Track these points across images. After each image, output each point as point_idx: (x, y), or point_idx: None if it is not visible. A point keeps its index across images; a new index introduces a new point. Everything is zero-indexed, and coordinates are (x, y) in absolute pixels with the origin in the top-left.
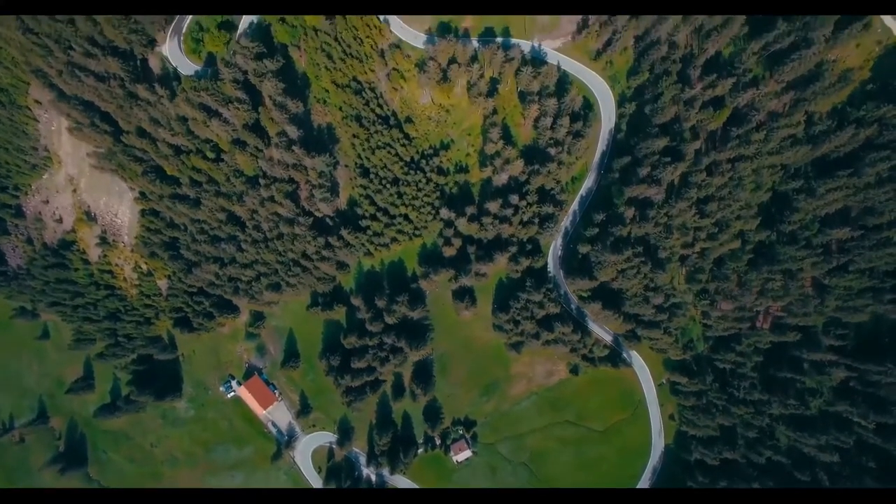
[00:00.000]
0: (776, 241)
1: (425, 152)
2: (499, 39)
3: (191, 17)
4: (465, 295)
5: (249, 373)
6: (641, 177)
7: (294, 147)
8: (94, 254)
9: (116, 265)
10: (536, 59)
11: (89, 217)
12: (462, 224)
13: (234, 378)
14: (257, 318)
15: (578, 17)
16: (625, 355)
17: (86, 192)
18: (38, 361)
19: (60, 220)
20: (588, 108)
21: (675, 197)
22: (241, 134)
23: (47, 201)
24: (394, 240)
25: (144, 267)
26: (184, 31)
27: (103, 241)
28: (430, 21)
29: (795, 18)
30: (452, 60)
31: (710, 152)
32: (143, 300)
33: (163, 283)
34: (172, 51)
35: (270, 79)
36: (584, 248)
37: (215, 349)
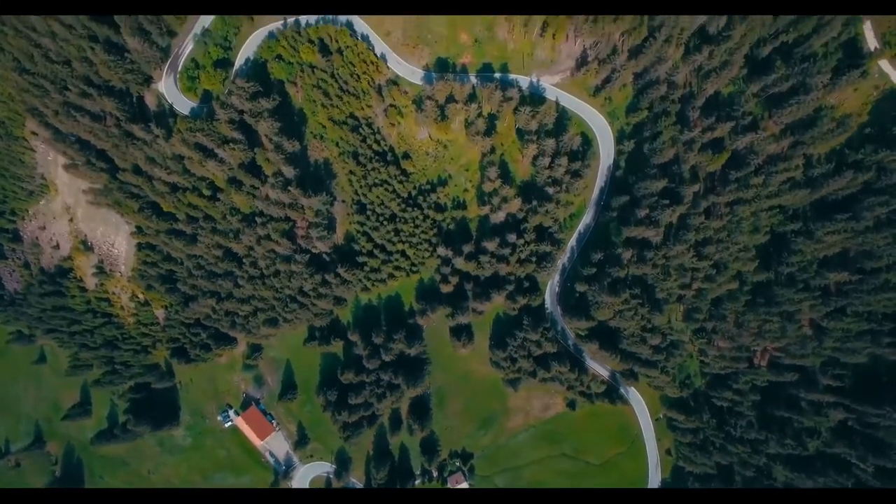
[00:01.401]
0: (774, 283)
1: (423, 188)
2: (497, 75)
3: (187, 53)
4: (462, 332)
5: (247, 403)
6: (639, 217)
7: (290, 187)
8: (90, 282)
9: (113, 294)
10: (535, 95)
11: (86, 246)
12: (459, 262)
13: (231, 407)
14: (255, 349)
15: (577, 54)
16: (622, 391)
17: (82, 222)
18: (35, 386)
19: (57, 247)
20: (587, 143)
21: (674, 239)
22: (237, 173)
23: (44, 227)
24: (391, 276)
25: (141, 297)
26: (179, 68)
27: (100, 270)
28: (428, 57)
29: (793, 62)
30: (450, 99)
31: (709, 195)
32: (141, 329)
33: (160, 313)
34: (168, 87)
35: (266, 119)
36: (581, 287)
37: (213, 378)
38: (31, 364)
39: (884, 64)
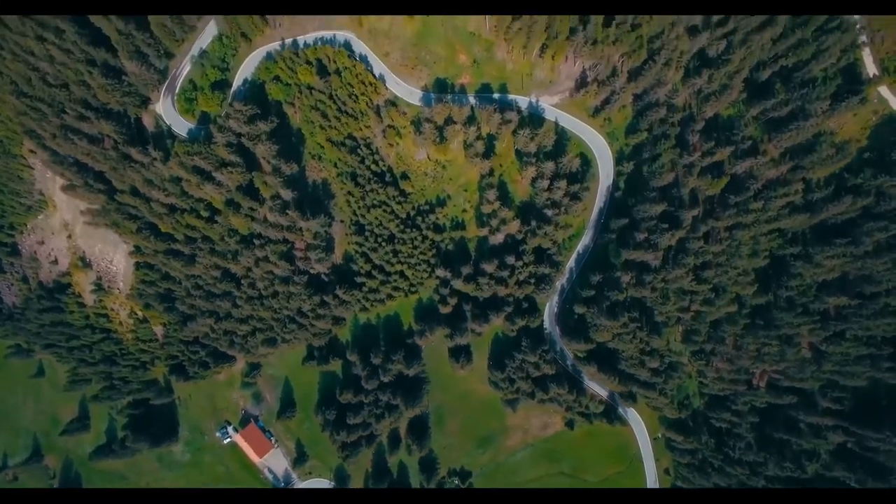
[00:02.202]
0: (773, 306)
1: (421, 208)
2: (496, 95)
3: (184, 75)
4: (460, 353)
5: (246, 420)
6: (638, 241)
7: (288, 210)
8: (89, 298)
9: (112, 310)
10: (534, 116)
11: (84, 263)
12: (458, 283)
13: (230, 424)
14: (253, 367)
15: (577, 74)
16: (621, 411)
17: (80, 239)
18: (33, 399)
19: (56, 262)
20: (586, 164)
21: (672, 263)
22: (234, 195)
23: (42, 242)
24: (389, 296)
25: (140, 313)
26: (177, 90)
27: (99, 287)
28: (427, 77)
29: (793, 86)
30: (449, 121)
31: (708, 219)
32: (139, 345)
33: (159, 330)
34: (166, 109)
35: (264, 142)
36: (580, 309)
37: (211, 395)
38: (29, 378)
39: (883, 90)
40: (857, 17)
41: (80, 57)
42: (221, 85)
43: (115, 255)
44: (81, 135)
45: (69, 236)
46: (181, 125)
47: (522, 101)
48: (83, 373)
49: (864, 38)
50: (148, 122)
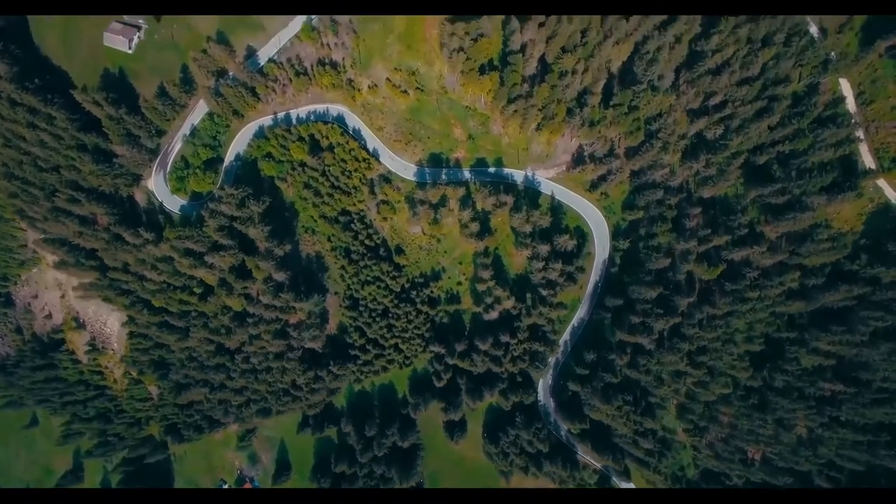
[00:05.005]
0: (768, 389)
1: (416, 280)
2: (492, 170)
3: (177, 150)
4: (455, 428)
5: (241, 480)
6: (633, 323)
7: (282, 293)
8: (83, 357)
9: (106, 368)
10: (530, 189)
11: (78, 324)
12: (452, 359)
13: (225, 483)
14: (248, 431)
15: (574, 149)
16: (614, 481)
17: (74, 300)
18: (26, 449)
19: (50, 316)
20: (582, 236)
21: (667, 347)
22: (227, 277)
23: (36, 296)
24: (384, 368)
25: (134, 373)
26: (169, 167)
27: (93, 347)
28: (421, 153)
29: (790, 171)
30: (444, 200)
31: (704, 306)
32: (134, 404)
33: (153, 389)
34: (158, 185)
35: (256, 224)
36: (574, 387)
37: (207, 453)
38: (22, 428)
39: (879, 180)
40: (853, 112)
41: (70, 143)
42: (213, 162)
43: (108, 318)
44: (73, 216)
45: (63, 296)
46: (173, 201)
47: (518, 175)
48: (77, 428)
49: (860, 133)
50: (140, 198)
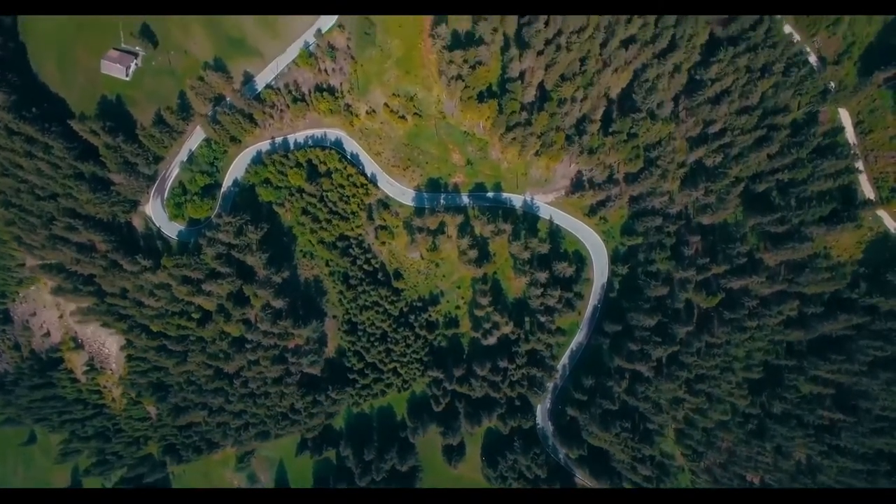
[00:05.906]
0: (767, 416)
1: (414, 304)
2: (490, 194)
3: (174, 176)
4: (453, 452)
5: None
6: (631, 350)
7: (280, 321)
8: (82, 376)
9: (105, 387)
10: (529, 214)
11: (76, 344)
12: (450, 384)
13: None
14: (248, 452)
15: (573, 174)
16: None
17: (72, 320)
18: (24, 466)
19: (48, 334)
20: (580, 260)
21: (665, 377)
22: (225, 303)
23: (34, 314)
24: (382, 392)
25: (133, 395)
26: (166, 193)
27: (91, 367)
28: (419, 178)
29: (790, 200)
30: (442, 227)
31: (702, 335)
32: (132, 424)
33: (152, 409)
34: (156, 210)
35: (254, 252)
36: (572, 412)
37: (206, 473)
38: (20, 445)
39: (879, 212)
40: (852, 141)
41: (67, 171)
42: (211, 188)
43: (106, 339)
44: (70, 244)
45: (60, 316)
46: (171, 227)
47: (517, 200)
48: (75, 446)
49: (859, 164)
50: (138, 223)
